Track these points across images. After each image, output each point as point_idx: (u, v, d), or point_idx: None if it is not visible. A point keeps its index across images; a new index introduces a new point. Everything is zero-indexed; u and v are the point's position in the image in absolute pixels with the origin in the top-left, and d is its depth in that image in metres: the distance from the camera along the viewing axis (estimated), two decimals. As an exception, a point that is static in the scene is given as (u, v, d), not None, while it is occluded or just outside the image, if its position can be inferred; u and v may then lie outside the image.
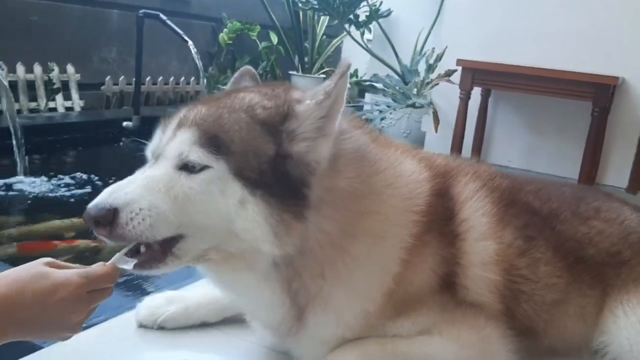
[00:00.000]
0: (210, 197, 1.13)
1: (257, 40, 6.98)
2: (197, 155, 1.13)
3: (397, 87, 3.70)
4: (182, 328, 1.61)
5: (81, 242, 2.83)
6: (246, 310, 1.47)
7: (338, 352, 1.29)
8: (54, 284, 1.02)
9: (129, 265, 1.14)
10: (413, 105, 3.61)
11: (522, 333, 1.42)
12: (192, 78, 6.71)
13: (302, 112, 1.18)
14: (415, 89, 3.65)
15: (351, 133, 1.28)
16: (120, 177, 1.16)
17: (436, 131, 4.20)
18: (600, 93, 3.77)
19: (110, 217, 1.08)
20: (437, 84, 3.82)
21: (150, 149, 1.25)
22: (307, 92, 1.24)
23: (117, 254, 1.15)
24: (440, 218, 1.34)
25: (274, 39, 7.14)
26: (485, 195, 1.44)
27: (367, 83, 4.04)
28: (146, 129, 1.28)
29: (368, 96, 5.36)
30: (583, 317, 1.53)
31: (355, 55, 7.91)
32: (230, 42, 6.72)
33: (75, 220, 3.06)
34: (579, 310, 1.52)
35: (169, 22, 4.90)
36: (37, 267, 1.04)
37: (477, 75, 4.03)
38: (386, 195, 1.28)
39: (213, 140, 1.14)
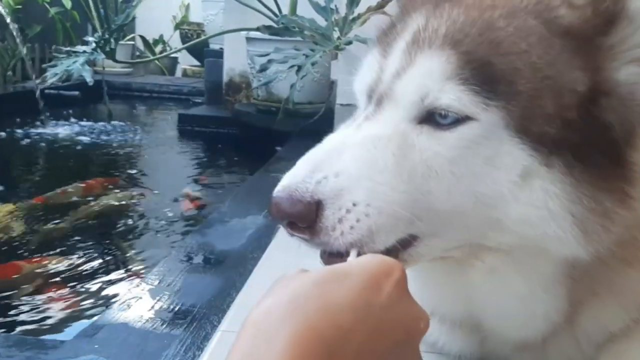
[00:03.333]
0: (469, 169, 0.71)
1: (47, 5, 5.94)
2: (455, 99, 0.69)
3: (315, 28, 3.35)
4: None
5: (52, 260, 2.07)
6: (473, 322, 0.91)
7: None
8: (370, 276, 0.56)
9: None
10: (337, 48, 3.33)
11: None
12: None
13: None
14: (336, 28, 3.31)
15: None
16: None
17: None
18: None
19: (312, 217, 0.68)
20: (366, 20, 3.10)
21: (363, 84, 0.81)
22: None
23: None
24: None
25: (67, 3, 6.15)
26: None
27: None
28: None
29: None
30: None
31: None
32: (19, 6, 5.57)
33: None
34: None
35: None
36: (307, 275, 0.57)
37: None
38: None
39: (483, 72, 0.69)
